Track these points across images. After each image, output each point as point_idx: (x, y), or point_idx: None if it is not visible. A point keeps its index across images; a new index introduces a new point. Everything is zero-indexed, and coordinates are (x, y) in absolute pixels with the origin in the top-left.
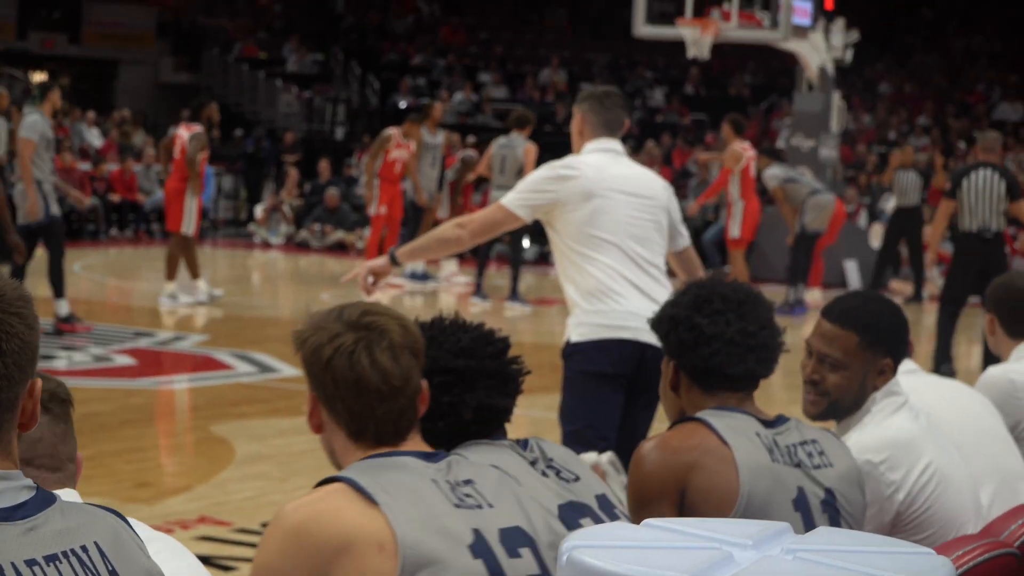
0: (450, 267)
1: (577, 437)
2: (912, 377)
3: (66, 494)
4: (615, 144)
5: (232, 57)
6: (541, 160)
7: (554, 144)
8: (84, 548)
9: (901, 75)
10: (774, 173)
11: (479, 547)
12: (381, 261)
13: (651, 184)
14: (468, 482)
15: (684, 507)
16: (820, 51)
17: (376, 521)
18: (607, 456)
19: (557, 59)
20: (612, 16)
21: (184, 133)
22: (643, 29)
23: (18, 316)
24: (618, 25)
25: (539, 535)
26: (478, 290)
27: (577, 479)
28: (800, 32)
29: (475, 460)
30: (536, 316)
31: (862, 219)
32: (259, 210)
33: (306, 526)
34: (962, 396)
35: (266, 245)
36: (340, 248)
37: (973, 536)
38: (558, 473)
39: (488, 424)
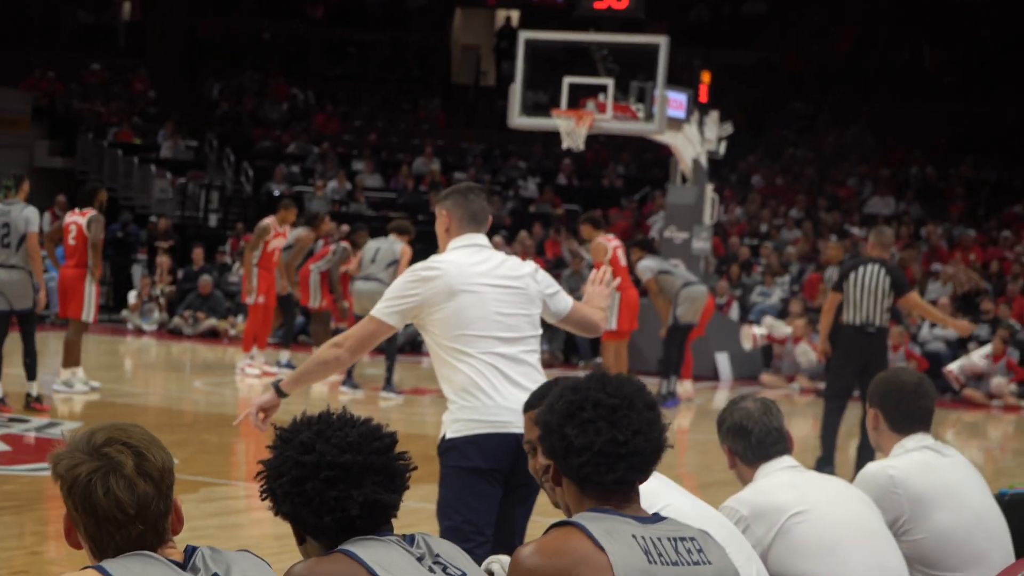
0: None
1: (455, 533)
2: (793, 473)
3: None
4: (480, 238)
5: (106, 142)
6: (415, 254)
7: (428, 233)
8: None
9: (773, 168)
10: (648, 265)
11: None
12: (267, 396)
13: (516, 273)
14: None
15: None
16: (694, 144)
17: None
18: (504, 559)
19: (431, 148)
20: (486, 106)
21: (80, 219)
22: (518, 120)
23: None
24: (492, 115)
25: None
26: (348, 379)
27: (463, 575)
28: (675, 124)
29: (226, 557)
30: (408, 405)
31: (734, 311)
32: (132, 296)
33: None
34: (843, 493)
35: (139, 332)
36: (213, 335)
37: None
38: (444, 569)
39: (375, 520)
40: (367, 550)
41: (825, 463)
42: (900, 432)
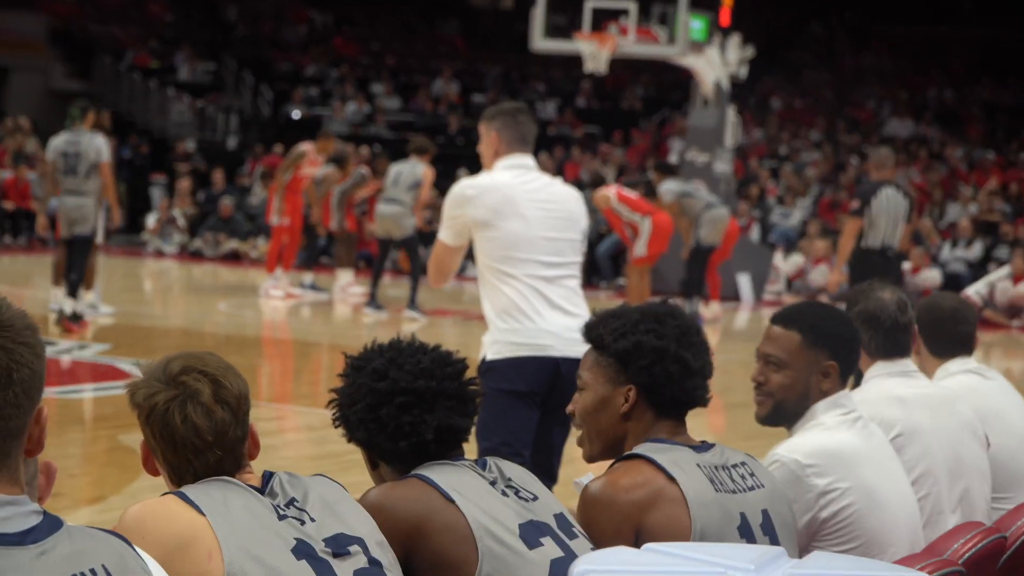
0: (346, 277)
1: (493, 454)
2: (904, 382)
3: None
4: (528, 160)
5: (124, 65)
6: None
7: (446, 156)
8: (93, 571)
9: (792, 91)
10: (669, 188)
11: (302, 550)
12: None
13: (564, 198)
14: (293, 501)
15: (638, 546)
16: (715, 67)
17: (204, 530)
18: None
19: (450, 71)
20: (505, 29)
21: None
22: (540, 43)
23: (27, 346)
24: (510, 37)
25: (366, 536)
26: (372, 300)
27: (535, 498)
28: (696, 47)
29: (303, 482)
30: (432, 326)
31: (754, 233)
32: (151, 219)
33: (143, 523)
34: (946, 417)
35: (160, 254)
36: (234, 257)
37: (918, 555)
38: (517, 493)
39: (448, 444)
40: (441, 474)
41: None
42: (942, 356)
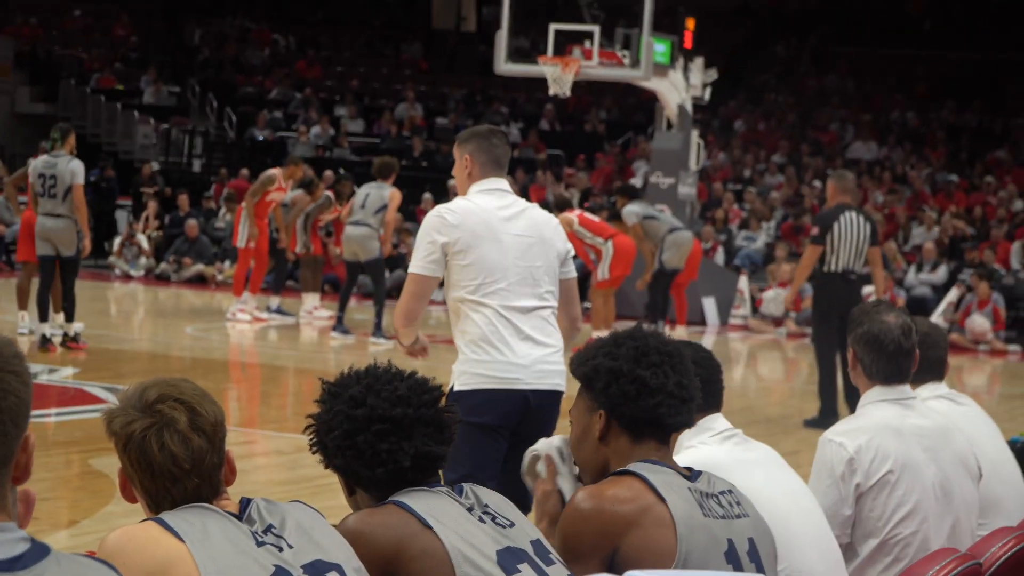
0: (311, 301)
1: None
2: (901, 412)
3: None
4: (503, 183)
5: (89, 88)
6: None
7: (410, 179)
8: None
9: (755, 114)
10: (633, 210)
11: None
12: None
13: (540, 223)
14: (271, 527)
15: (617, 561)
16: (680, 89)
17: (183, 557)
18: (557, 440)
19: (413, 93)
20: (468, 51)
21: None
22: (504, 66)
23: (14, 374)
24: (474, 60)
25: (344, 562)
26: (339, 324)
27: (512, 525)
28: (660, 71)
29: (280, 508)
30: (396, 351)
31: (719, 256)
32: (116, 243)
33: (123, 549)
34: (943, 449)
35: (127, 277)
36: (200, 280)
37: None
38: (494, 519)
39: (425, 471)
40: (418, 500)
41: (829, 414)
42: (913, 382)
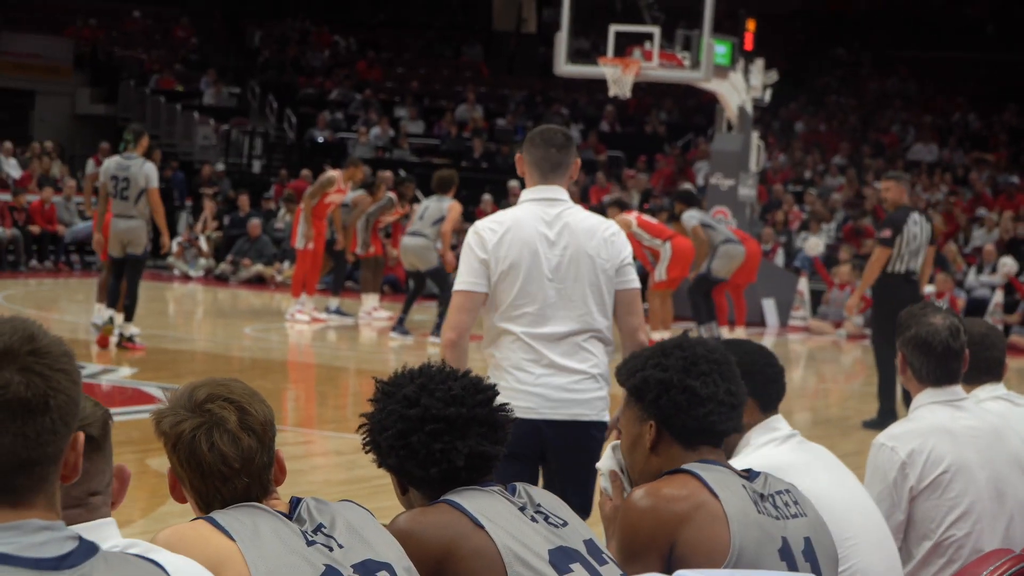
0: (371, 302)
1: None
2: (952, 414)
3: (96, 525)
4: (553, 191)
5: (149, 89)
6: (461, 200)
7: (471, 180)
8: None
9: (816, 115)
10: (693, 215)
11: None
12: None
13: (580, 236)
14: (321, 527)
15: (674, 559)
16: (740, 91)
17: (233, 556)
18: (618, 454)
19: (473, 95)
20: (528, 53)
21: None
22: (564, 68)
23: (64, 372)
24: (534, 62)
25: (394, 562)
26: (400, 324)
27: (565, 524)
28: (721, 72)
29: (330, 508)
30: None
31: (779, 257)
32: (175, 244)
33: (173, 548)
34: (991, 450)
35: (186, 278)
36: (259, 281)
37: None
38: (547, 519)
39: (479, 471)
40: (470, 500)
41: (888, 415)
42: (970, 383)
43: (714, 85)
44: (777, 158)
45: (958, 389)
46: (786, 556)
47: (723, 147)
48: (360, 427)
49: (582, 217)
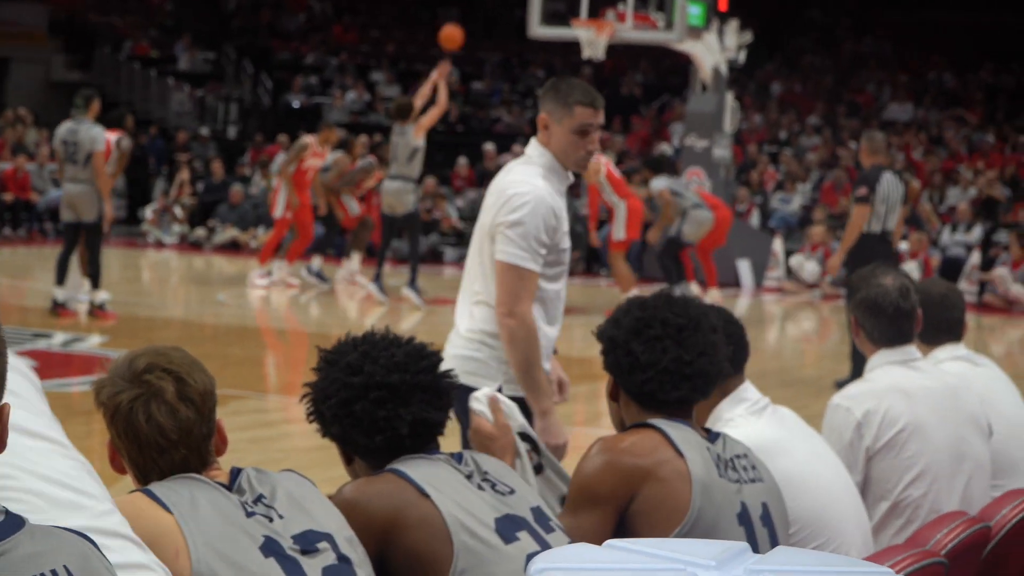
0: (354, 263)
1: None
2: (907, 373)
3: None
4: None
5: (123, 55)
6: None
7: (447, 144)
8: (54, 572)
9: (791, 76)
10: (660, 181)
11: (270, 547)
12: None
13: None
14: (261, 497)
15: (629, 513)
16: (714, 52)
17: (171, 528)
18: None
19: (449, 57)
20: (504, 15)
21: (111, 135)
22: (538, 30)
23: None
24: (510, 24)
25: (335, 532)
26: (377, 280)
27: (512, 492)
28: (695, 33)
29: (271, 478)
30: (431, 315)
31: (754, 218)
32: (149, 211)
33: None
34: (951, 412)
35: (159, 245)
36: (234, 247)
37: (900, 546)
38: (493, 486)
39: (423, 438)
40: (416, 468)
41: (860, 375)
42: (930, 343)
43: (688, 46)
44: (752, 119)
45: (912, 349)
46: (744, 521)
47: (697, 108)
48: (303, 396)
49: (502, 173)
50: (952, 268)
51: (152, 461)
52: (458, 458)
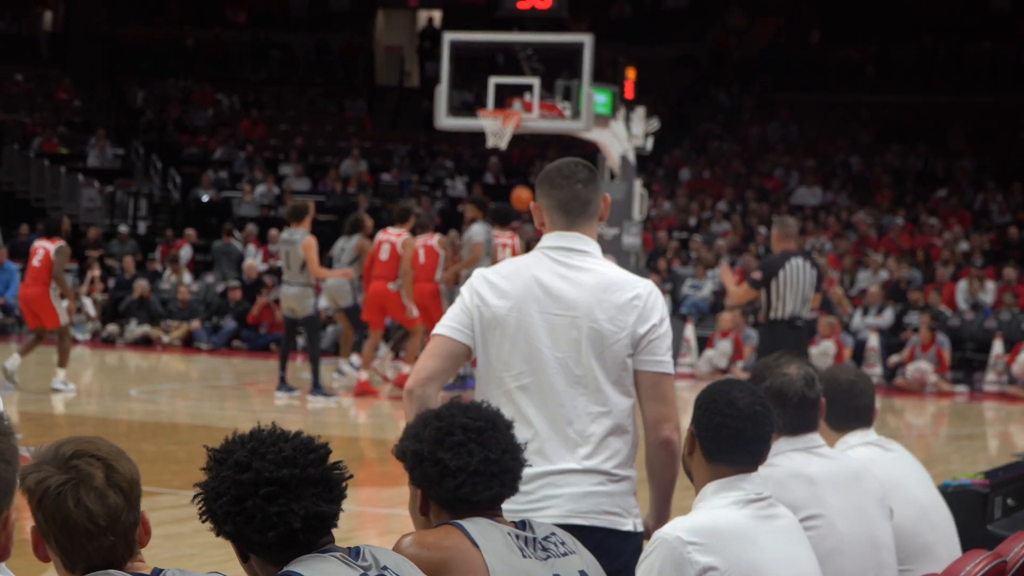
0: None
1: None
2: (812, 460)
3: None
4: (571, 239)
5: (32, 152)
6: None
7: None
8: None
9: (700, 162)
10: (479, 231)
11: None
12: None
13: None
14: None
15: None
16: (621, 140)
17: None
18: None
19: (358, 149)
20: (411, 107)
21: (49, 245)
22: (445, 121)
23: None
24: (417, 115)
25: None
26: (282, 383)
27: None
28: (601, 122)
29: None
30: (341, 407)
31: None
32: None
33: None
34: (856, 499)
35: (73, 341)
36: (146, 342)
37: None
38: None
39: (317, 532)
40: (311, 569)
41: None
42: (840, 429)
43: (595, 135)
44: (663, 205)
45: (816, 436)
46: None
47: None
48: (195, 497)
49: (610, 270)
50: (863, 352)
51: (80, 547)
52: (355, 553)
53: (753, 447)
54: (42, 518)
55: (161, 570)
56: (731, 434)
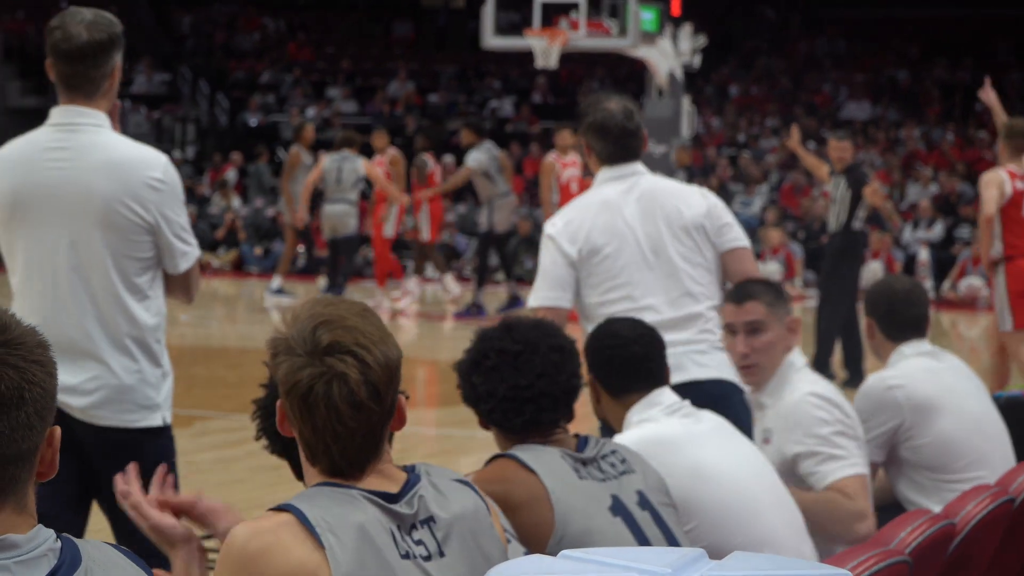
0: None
1: None
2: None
3: None
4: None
5: None
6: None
7: (405, 156)
8: None
9: (747, 78)
10: (478, 157)
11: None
12: None
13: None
14: (426, 522)
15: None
16: (669, 57)
17: (321, 569)
18: None
19: (404, 71)
20: (458, 27)
21: None
22: (491, 40)
23: (39, 364)
24: (464, 36)
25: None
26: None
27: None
28: (648, 38)
29: (440, 499)
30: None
31: None
32: None
33: (255, 561)
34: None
35: None
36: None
37: (864, 546)
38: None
39: None
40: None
41: (821, 366)
42: (895, 340)
43: (642, 52)
44: (710, 123)
45: (637, 166)
46: (619, 511)
47: (654, 114)
48: (254, 414)
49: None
50: (914, 265)
51: (325, 445)
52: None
53: (650, 365)
54: (289, 407)
55: (413, 466)
56: (624, 361)
